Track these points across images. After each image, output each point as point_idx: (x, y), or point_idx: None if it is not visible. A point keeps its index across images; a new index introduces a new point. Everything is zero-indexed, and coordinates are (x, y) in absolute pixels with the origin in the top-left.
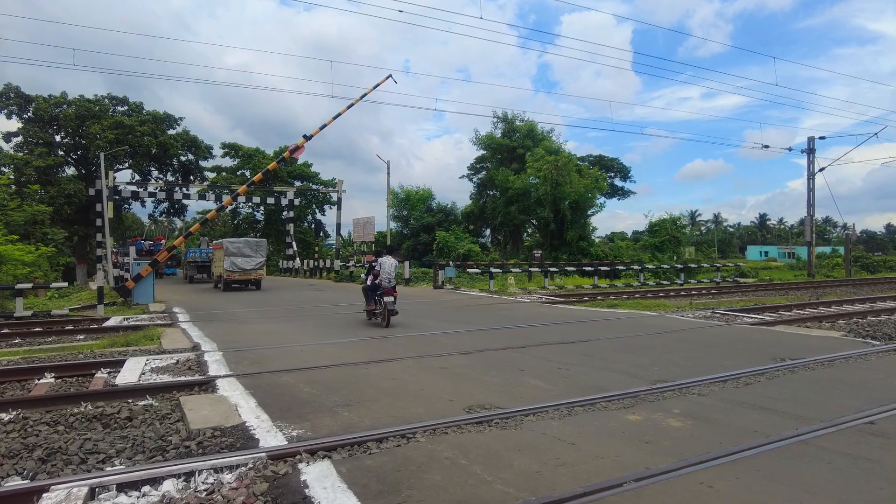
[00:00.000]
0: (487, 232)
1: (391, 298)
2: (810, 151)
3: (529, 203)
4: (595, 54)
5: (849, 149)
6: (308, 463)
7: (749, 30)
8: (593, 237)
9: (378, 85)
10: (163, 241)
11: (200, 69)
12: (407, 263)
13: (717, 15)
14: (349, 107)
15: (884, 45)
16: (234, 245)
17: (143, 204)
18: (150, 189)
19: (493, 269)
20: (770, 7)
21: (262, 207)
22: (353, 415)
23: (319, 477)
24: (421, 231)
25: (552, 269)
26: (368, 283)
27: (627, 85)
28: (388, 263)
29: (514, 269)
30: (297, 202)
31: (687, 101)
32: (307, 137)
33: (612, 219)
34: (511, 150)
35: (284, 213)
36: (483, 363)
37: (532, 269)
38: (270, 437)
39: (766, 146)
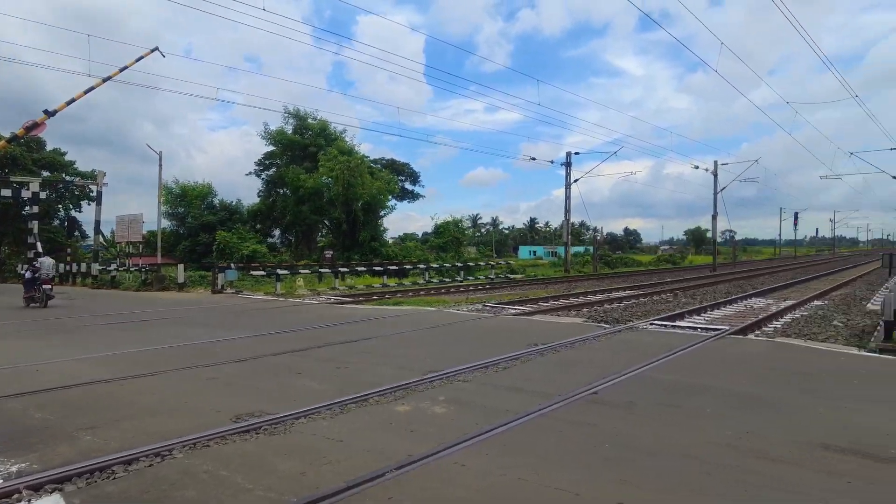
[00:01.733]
0: (277, 232)
1: (49, 286)
2: (568, 164)
3: (322, 203)
4: (389, 61)
5: (597, 163)
6: (30, 501)
7: (526, 51)
8: (385, 238)
9: (142, 58)
10: None
11: None
12: (180, 266)
13: (500, 34)
14: (105, 80)
15: (625, 80)
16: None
17: None
18: None
19: (279, 271)
20: (544, 33)
21: None
22: (97, 438)
23: None
24: (200, 230)
25: (343, 269)
26: (28, 276)
27: (420, 92)
28: (47, 262)
29: (303, 271)
30: (43, 196)
31: (472, 113)
32: (49, 113)
33: (404, 220)
34: (303, 147)
35: (27, 208)
36: (258, 370)
37: (323, 270)
38: None
39: (534, 158)
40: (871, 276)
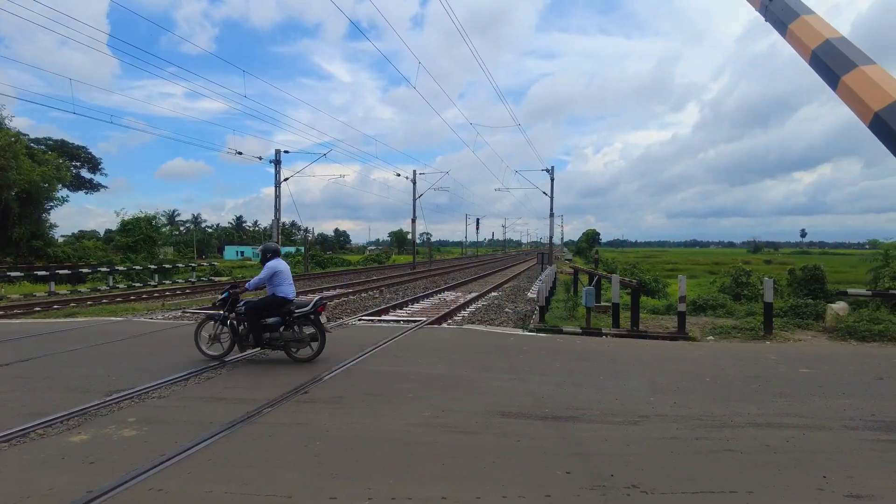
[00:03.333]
0: None
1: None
2: (278, 162)
3: None
4: (59, 22)
5: (308, 164)
6: None
7: (231, 39)
8: (54, 236)
9: None
10: None
11: None
12: None
13: (203, 15)
14: None
15: (334, 84)
16: None
17: None
18: None
19: None
20: (252, 22)
21: None
22: None
23: None
24: None
25: None
26: None
27: (102, 65)
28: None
29: None
30: None
31: (170, 97)
32: None
33: (81, 215)
34: None
35: None
36: None
37: None
38: None
39: (241, 153)
40: (531, 272)
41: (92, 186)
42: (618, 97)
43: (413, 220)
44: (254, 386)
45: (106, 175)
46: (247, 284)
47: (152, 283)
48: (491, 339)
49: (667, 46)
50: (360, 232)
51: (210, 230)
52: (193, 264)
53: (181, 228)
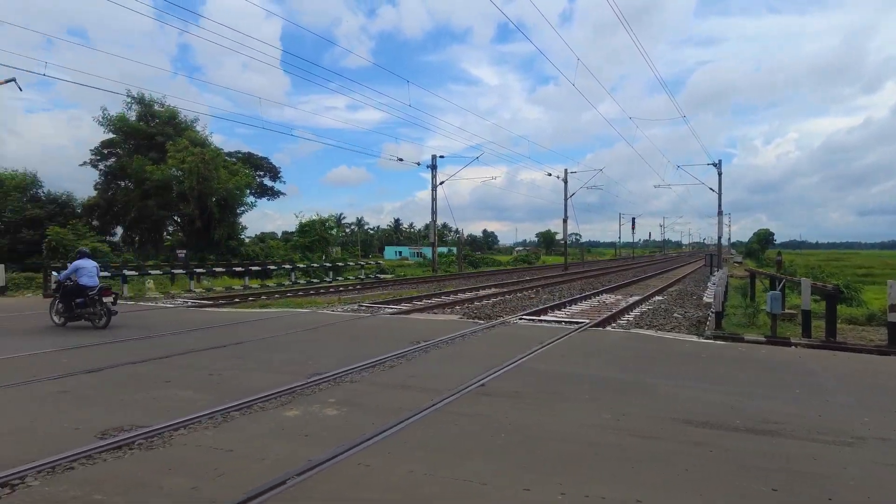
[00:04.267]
0: (119, 229)
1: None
2: (434, 167)
3: (172, 198)
4: (243, 44)
5: (460, 167)
6: None
7: (387, 50)
8: (244, 237)
9: None
10: None
11: None
12: (1, 267)
13: (361, 29)
14: None
15: (482, 88)
16: None
17: None
18: None
19: (126, 272)
20: (405, 33)
21: None
22: None
23: None
24: (22, 226)
25: (199, 270)
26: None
27: (277, 83)
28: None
29: (153, 272)
30: None
31: (333, 109)
32: None
33: (261, 219)
34: (149, 136)
35: None
36: (117, 380)
37: (176, 271)
38: None
39: (401, 159)
40: (697, 275)
41: (273, 193)
42: (791, 82)
43: (564, 221)
44: (433, 376)
45: (284, 182)
46: (59, 276)
47: (327, 279)
48: (663, 344)
49: (854, 19)
50: (507, 233)
51: (371, 231)
52: (362, 262)
53: (346, 230)
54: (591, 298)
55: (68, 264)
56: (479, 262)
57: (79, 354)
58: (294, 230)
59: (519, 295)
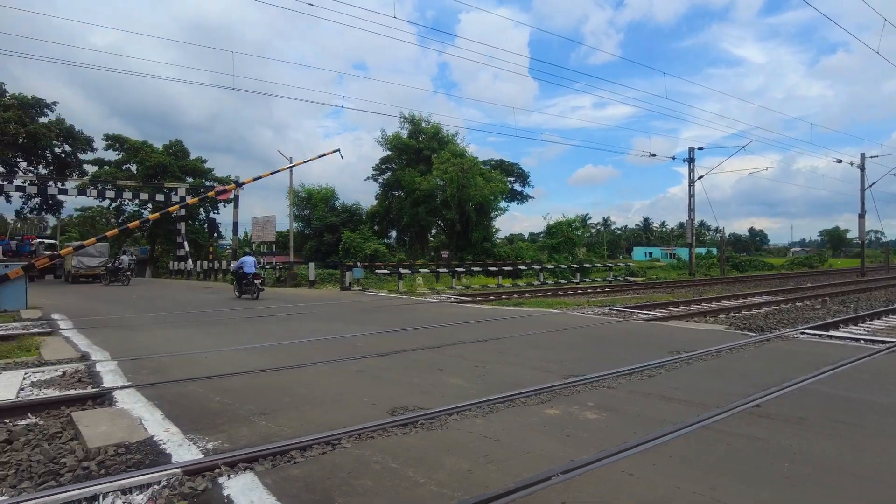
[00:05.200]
0: (393, 233)
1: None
2: (691, 161)
3: (435, 204)
4: (493, 57)
5: (721, 159)
6: (229, 476)
7: (636, 41)
8: (496, 238)
9: (324, 155)
10: (34, 241)
11: (62, 48)
12: (311, 264)
13: (608, 23)
14: (290, 167)
15: (747, 68)
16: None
17: (8, 199)
18: (18, 182)
19: (402, 270)
20: (656, 20)
21: (150, 205)
22: (271, 424)
23: (244, 490)
24: (324, 231)
25: (459, 269)
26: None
27: (525, 89)
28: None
29: (422, 270)
30: (188, 199)
31: (580, 109)
32: (238, 184)
33: (510, 221)
34: (417, 151)
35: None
36: (401, 364)
37: (440, 270)
38: (184, 451)
39: (654, 154)
40: None
41: (522, 197)
42: None
43: (861, 216)
44: (697, 390)
45: (532, 186)
46: (233, 267)
47: (574, 280)
48: None
49: None
50: (780, 231)
51: (618, 231)
52: (610, 264)
53: (592, 230)
54: None
55: (358, 263)
56: (744, 265)
57: (368, 340)
58: (541, 231)
59: (798, 304)
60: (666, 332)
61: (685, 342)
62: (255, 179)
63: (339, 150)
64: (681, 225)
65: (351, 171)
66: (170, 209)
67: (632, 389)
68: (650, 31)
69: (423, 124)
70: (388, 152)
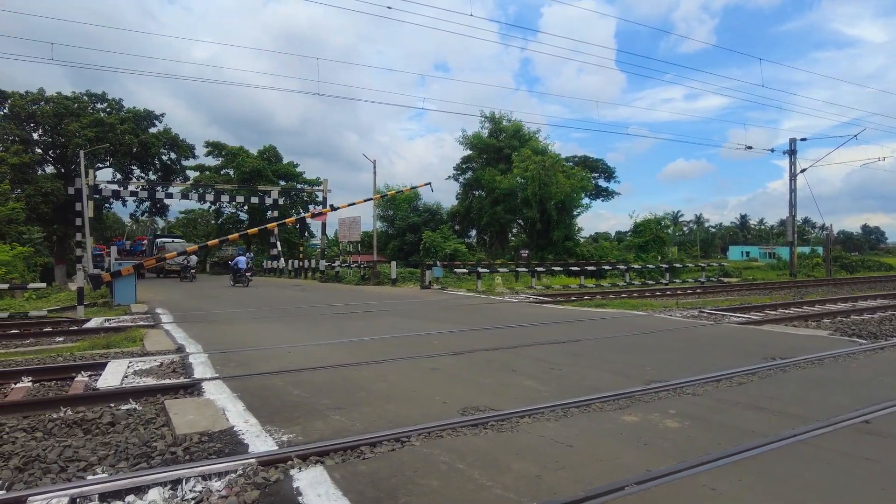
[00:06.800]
0: (473, 232)
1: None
2: (792, 153)
3: (516, 203)
4: (577, 51)
5: (828, 150)
6: (300, 469)
7: (732, 26)
8: (578, 237)
9: (416, 187)
10: (144, 241)
11: (168, 63)
12: (393, 263)
13: (701, 8)
14: (381, 197)
15: (862, 49)
16: (170, 245)
17: (124, 203)
18: (132, 188)
19: (480, 269)
20: (756, 2)
21: (245, 207)
22: (344, 418)
23: (312, 483)
24: (407, 231)
25: (539, 268)
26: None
27: (612, 81)
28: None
29: (501, 269)
30: (281, 202)
31: (670, 101)
32: (333, 208)
33: (594, 219)
34: (498, 150)
35: (269, 212)
36: (475, 364)
37: (519, 269)
38: (260, 441)
39: (750, 147)
40: None
41: (607, 194)
42: None
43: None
44: (794, 401)
45: (618, 182)
46: (231, 263)
47: (663, 281)
48: None
49: None
50: None
51: (713, 230)
52: (702, 264)
53: (684, 228)
54: None
55: (437, 263)
56: (855, 266)
57: (444, 338)
58: (627, 230)
59: None
60: (760, 337)
61: (782, 348)
62: (349, 205)
63: (430, 184)
64: (781, 222)
65: (434, 171)
66: (268, 226)
67: (719, 397)
68: (748, 15)
69: (504, 122)
70: (469, 152)
